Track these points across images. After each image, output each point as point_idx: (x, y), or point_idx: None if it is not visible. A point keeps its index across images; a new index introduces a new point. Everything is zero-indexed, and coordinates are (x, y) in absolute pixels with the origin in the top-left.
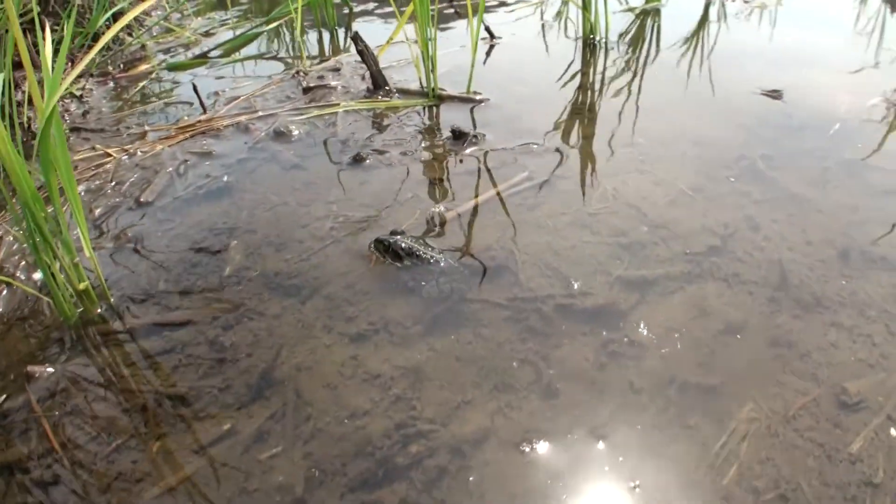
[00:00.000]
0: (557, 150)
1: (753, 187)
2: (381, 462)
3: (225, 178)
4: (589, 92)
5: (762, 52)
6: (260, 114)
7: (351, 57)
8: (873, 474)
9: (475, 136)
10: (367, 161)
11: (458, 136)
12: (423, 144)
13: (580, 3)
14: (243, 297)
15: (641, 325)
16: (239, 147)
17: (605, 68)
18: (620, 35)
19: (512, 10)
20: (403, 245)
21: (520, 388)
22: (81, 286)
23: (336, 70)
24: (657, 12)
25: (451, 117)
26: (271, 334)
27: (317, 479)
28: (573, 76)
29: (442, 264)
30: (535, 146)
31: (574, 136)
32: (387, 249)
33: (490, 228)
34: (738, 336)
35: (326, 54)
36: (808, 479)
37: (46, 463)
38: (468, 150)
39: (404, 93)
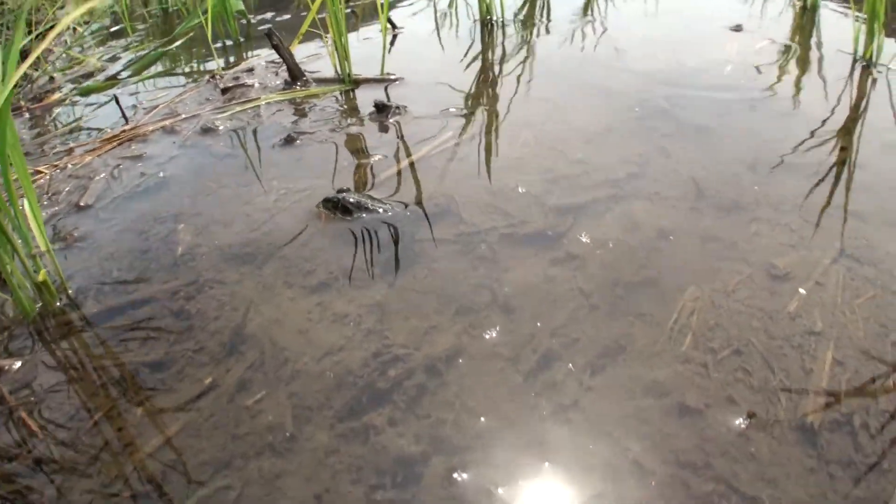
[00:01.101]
0: (475, 111)
1: (660, 123)
2: (363, 389)
3: (161, 175)
4: (496, 62)
5: (649, 16)
6: (183, 116)
7: (261, 59)
8: (813, 325)
9: (397, 108)
10: (298, 141)
11: (381, 109)
12: (349, 121)
13: None
14: (200, 271)
15: (580, 241)
16: (168, 147)
17: (504, 43)
18: (515, 14)
19: (411, 4)
20: (352, 200)
21: (479, 310)
22: (40, 277)
23: (250, 70)
24: None
25: (370, 96)
26: (234, 297)
27: (304, 415)
28: (478, 53)
29: (390, 213)
30: (454, 110)
31: (488, 99)
32: (336, 206)
33: (428, 181)
34: (670, 238)
35: (236, 60)
36: (756, 336)
37: (28, 447)
38: (392, 120)
39: (321, 81)
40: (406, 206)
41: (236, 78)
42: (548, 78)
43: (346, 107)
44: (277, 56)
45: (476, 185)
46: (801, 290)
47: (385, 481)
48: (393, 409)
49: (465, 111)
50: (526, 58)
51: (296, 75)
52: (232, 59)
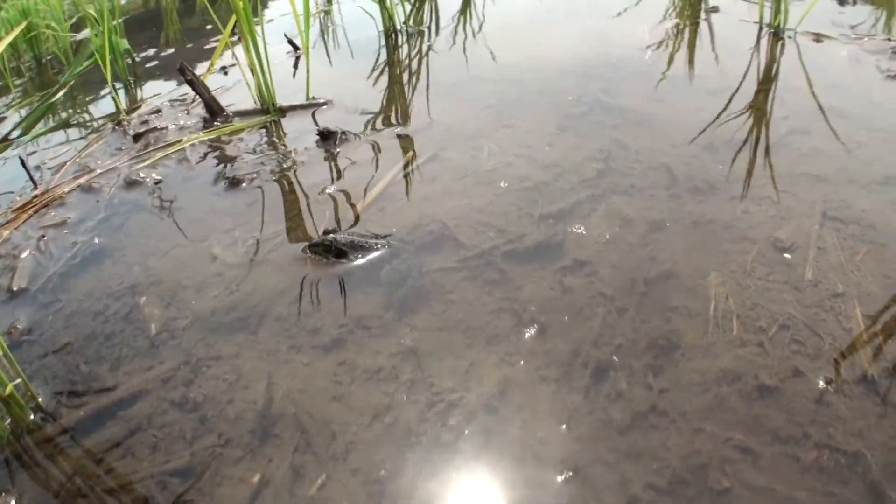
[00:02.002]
0: (424, 128)
1: (606, 117)
2: (429, 447)
3: (96, 241)
4: (420, 73)
5: (537, 12)
6: (98, 171)
7: (162, 98)
8: (834, 287)
9: (343, 134)
10: (244, 184)
11: (327, 136)
12: (293, 154)
13: None
14: (187, 349)
15: (581, 247)
16: (94, 208)
17: (418, 53)
18: (416, 22)
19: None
20: (344, 240)
21: (509, 335)
22: (7, 391)
23: (157, 112)
24: None
25: (301, 124)
26: (240, 373)
27: (378, 490)
28: (396, 64)
29: (386, 249)
30: (401, 130)
31: (433, 112)
32: (328, 250)
33: (409, 207)
34: (666, 228)
35: (132, 102)
36: (793, 308)
37: None
38: (342, 147)
39: (243, 114)
40: (397, 238)
41: (145, 122)
42: (480, 84)
43: (281, 139)
44: (182, 93)
45: (460, 204)
46: (810, 258)
47: None
48: (466, 460)
49: (413, 129)
50: (450, 65)
51: (214, 111)
52: (125, 102)
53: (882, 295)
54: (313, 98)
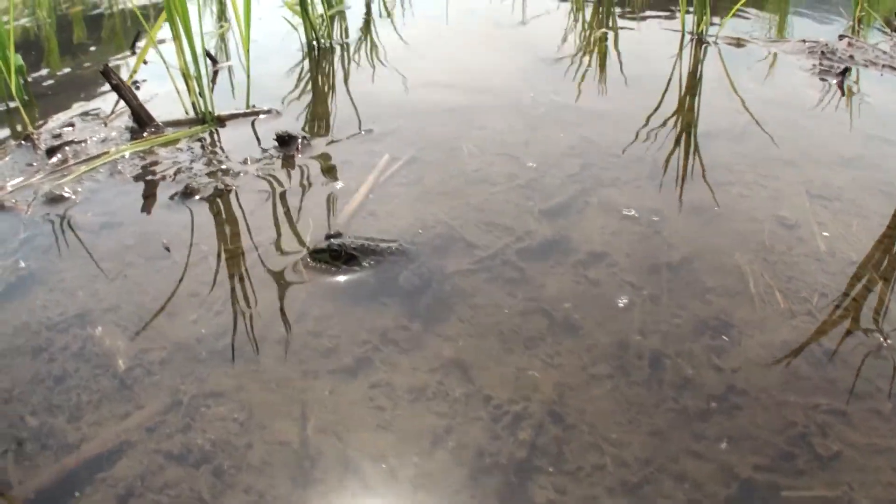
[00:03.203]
0: (390, 130)
1: (563, 113)
2: (505, 466)
3: (21, 265)
4: (362, 79)
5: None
6: (9, 189)
7: (70, 112)
8: (849, 257)
9: (305, 138)
10: (201, 193)
11: (286, 141)
12: (251, 163)
13: (299, 10)
14: (172, 386)
15: (589, 238)
16: (13, 228)
17: (348, 60)
18: (335, 34)
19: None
20: (355, 245)
21: (545, 336)
22: None
23: (70, 126)
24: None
25: (242, 134)
26: (251, 410)
27: None
28: (321, 74)
29: (397, 254)
30: (365, 133)
31: (392, 117)
32: (336, 256)
33: (403, 209)
34: (665, 215)
35: (36, 121)
36: (824, 277)
37: None
38: (304, 153)
39: (174, 124)
40: (406, 242)
41: (57, 136)
42: (433, 89)
43: (229, 148)
44: (93, 107)
45: (458, 204)
46: (818, 233)
47: None
48: (548, 477)
49: (379, 132)
50: (386, 74)
51: (143, 120)
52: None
53: (888, 259)
54: (254, 106)
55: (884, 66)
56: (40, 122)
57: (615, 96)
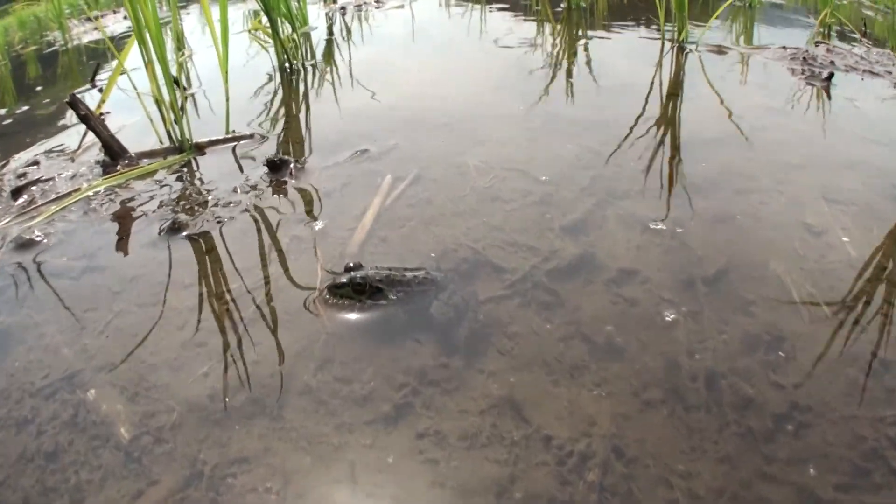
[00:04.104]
0: (387, 150)
1: (560, 124)
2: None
3: None
4: (325, 98)
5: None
6: None
7: (33, 150)
8: (882, 263)
9: (297, 161)
10: (190, 228)
11: (277, 166)
12: (241, 192)
13: (270, 31)
14: (190, 455)
15: (616, 254)
16: None
17: (308, 81)
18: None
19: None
20: (380, 276)
21: (588, 364)
22: None
23: (34, 164)
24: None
25: (223, 162)
26: (288, 478)
27: None
28: (283, 93)
29: (424, 283)
30: (360, 153)
31: (385, 135)
32: (360, 290)
33: (417, 233)
34: (691, 225)
35: (2, 160)
36: (862, 283)
37: None
38: (298, 178)
39: (149, 155)
40: (430, 269)
41: (22, 175)
42: (422, 101)
43: (215, 176)
44: (57, 144)
45: (476, 224)
46: (845, 239)
47: None
48: None
49: (376, 152)
50: (363, 95)
51: (116, 152)
52: None
53: None
54: (234, 131)
55: (864, 70)
56: (1, 163)
57: (609, 105)
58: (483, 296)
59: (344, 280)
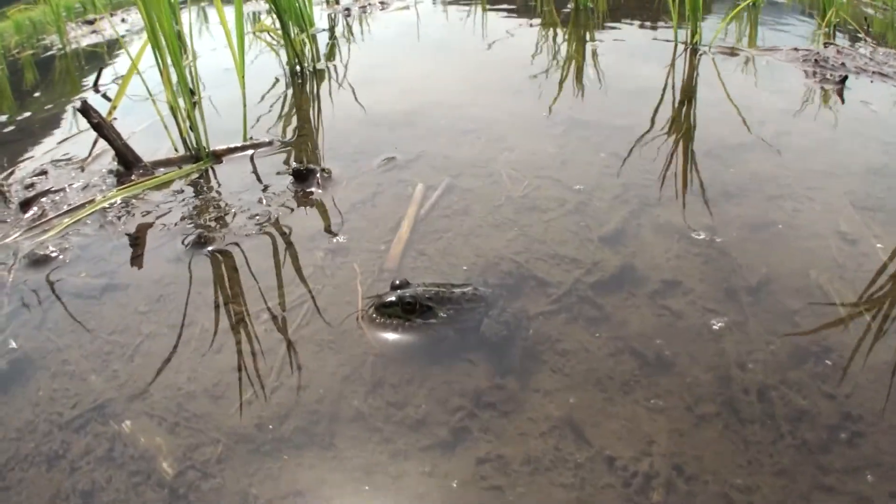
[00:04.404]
0: (416, 157)
1: (583, 130)
2: None
3: (13, 345)
4: (342, 103)
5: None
6: None
7: (39, 160)
8: None
9: (324, 170)
10: (216, 242)
11: (303, 176)
12: (266, 203)
13: (280, 34)
14: (240, 490)
15: (657, 265)
16: None
17: (322, 85)
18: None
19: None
20: (429, 294)
21: (641, 379)
22: None
23: (42, 174)
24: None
25: (239, 171)
26: None
27: None
28: (297, 98)
29: (481, 297)
30: (387, 160)
31: (410, 142)
32: (410, 309)
33: (456, 246)
34: (728, 233)
35: (7, 169)
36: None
37: None
38: (327, 188)
39: (165, 164)
40: (477, 285)
41: (30, 186)
42: (438, 109)
43: (237, 187)
44: (64, 153)
45: (516, 236)
46: (878, 246)
47: None
48: None
49: (402, 160)
50: (384, 98)
51: (129, 161)
52: None
53: None
54: (251, 138)
55: (873, 72)
56: (6, 173)
57: (630, 110)
58: (531, 312)
59: (393, 299)
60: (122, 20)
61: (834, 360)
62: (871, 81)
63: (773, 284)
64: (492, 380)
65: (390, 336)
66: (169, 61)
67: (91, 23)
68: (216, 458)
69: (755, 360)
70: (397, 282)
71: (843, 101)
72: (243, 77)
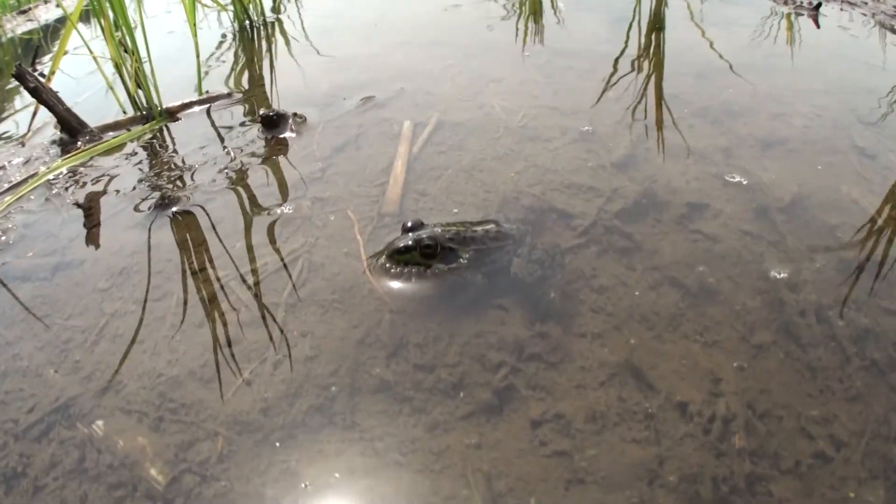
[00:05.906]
0: (395, 95)
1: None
2: (741, 492)
3: None
4: (301, 52)
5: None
6: None
7: None
8: None
9: (297, 115)
10: (181, 202)
11: (274, 122)
12: (235, 154)
13: None
14: (251, 491)
15: (677, 188)
16: None
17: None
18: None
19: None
20: (450, 235)
21: (686, 310)
22: None
23: None
24: None
25: (205, 126)
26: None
27: None
28: (248, 51)
29: (504, 233)
30: (365, 100)
31: (387, 79)
32: (430, 254)
33: (460, 182)
34: (747, 148)
35: None
36: None
37: None
38: (301, 133)
39: (113, 127)
40: (497, 221)
41: None
42: (400, 48)
43: (197, 142)
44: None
45: (525, 168)
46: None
47: None
48: (778, 484)
49: (381, 99)
50: (343, 42)
51: (74, 127)
52: None
53: None
54: (207, 92)
55: (843, 1)
56: None
57: (607, 38)
58: (564, 246)
59: (409, 243)
60: (56, 5)
61: (886, 274)
62: (841, 9)
63: (805, 201)
64: (531, 327)
65: (406, 287)
66: (110, 12)
67: (25, 12)
68: (216, 456)
69: (804, 280)
70: (409, 223)
71: (818, 26)
72: (195, 25)
